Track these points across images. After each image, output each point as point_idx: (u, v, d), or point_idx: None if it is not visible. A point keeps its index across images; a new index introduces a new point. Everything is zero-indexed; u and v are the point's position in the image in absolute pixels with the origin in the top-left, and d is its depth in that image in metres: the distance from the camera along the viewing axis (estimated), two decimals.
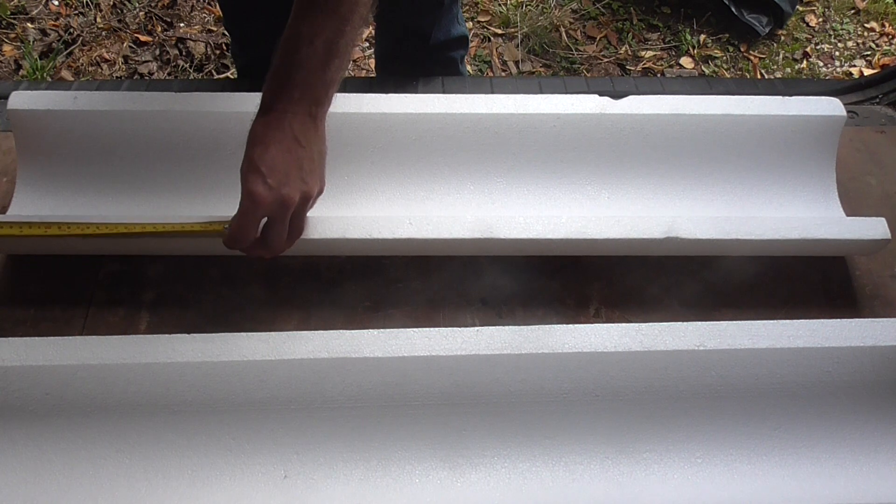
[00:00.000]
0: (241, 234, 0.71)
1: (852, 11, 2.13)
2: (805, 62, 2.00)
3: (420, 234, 0.83)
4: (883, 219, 0.87)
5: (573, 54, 1.94)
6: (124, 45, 1.88)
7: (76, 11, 1.94)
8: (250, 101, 0.88)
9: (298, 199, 0.71)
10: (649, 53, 1.97)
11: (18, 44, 1.86)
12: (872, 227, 0.86)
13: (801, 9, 2.09)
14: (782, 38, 2.05)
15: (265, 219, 0.72)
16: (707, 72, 1.94)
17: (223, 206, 0.88)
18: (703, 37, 2.01)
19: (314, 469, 0.72)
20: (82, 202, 0.87)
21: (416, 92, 1.06)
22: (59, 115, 0.87)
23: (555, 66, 1.92)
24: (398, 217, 0.84)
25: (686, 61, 1.96)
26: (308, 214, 0.79)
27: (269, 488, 0.71)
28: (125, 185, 0.88)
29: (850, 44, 2.05)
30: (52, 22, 1.92)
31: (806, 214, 0.92)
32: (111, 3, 1.96)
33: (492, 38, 1.97)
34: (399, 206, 0.89)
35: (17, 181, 0.88)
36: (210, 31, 1.93)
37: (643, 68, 1.94)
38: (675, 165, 0.92)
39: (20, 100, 0.87)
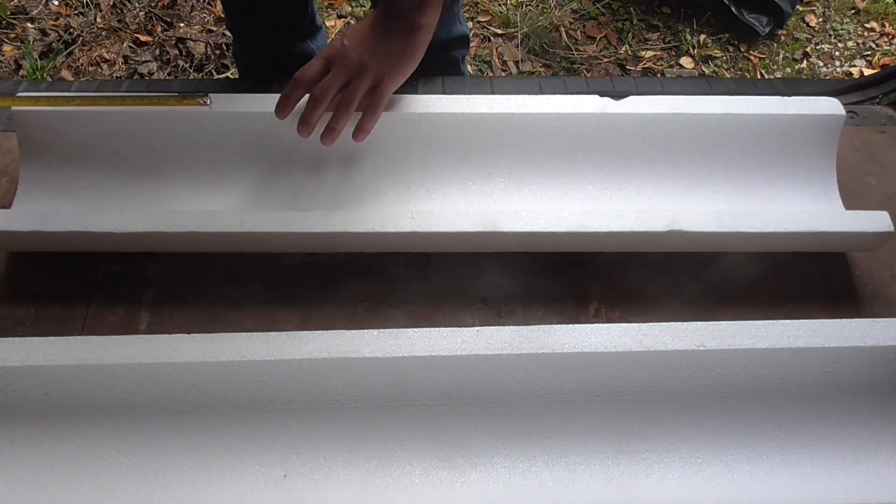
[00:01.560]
0: (305, 69, 0.83)
1: (852, 11, 2.13)
2: (805, 62, 2.00)
3: (422, 227, 0.83)
4: (885, 212, 0.87)
5: (573, 54, 1.94)
6: (124, 45, 1.88)
7: (76, 11, 1.94)
8: (251, 102, 0.89)
9: (357, 62, 0.81)
10: (649, 53, 1.97)
11: (18, 44, 1.86)
12: (875, 221, 0.86)
13: (801, 9, 2.09)
14: (782, 38, 2.04)
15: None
16: (707, 72, 1.94)
17: (225, 204, 0.89)
18: (703, 37, 2.01)
19: (314, 469, 0.72)
20: (84, 201, 0.87)
21: (417, 92, 1.06)
22: (62, 115, 0.87)
23: (555, 66, 1.92)
24: (400, 211, 0.84)
25: (686, 61, 1.96)
26: (309, 211, 0.82)
27: (269, 488, 0.71)
28: (127, 185, 0.88)
29: (850, 44, 2.05)
30: (52, 22, 1.92)
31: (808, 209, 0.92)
32: (111, 3, 1.96)
33: (492, 38, 1.97)
34: (401, 207, 0.89)
35: (20, 181, 0.88)
36: (210, 31, 1.93)
37: (643, 68, 1.94)
38: (676, 165, 0.92)
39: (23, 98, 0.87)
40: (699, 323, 0.76)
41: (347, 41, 0.82)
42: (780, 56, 2.00)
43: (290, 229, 0.83)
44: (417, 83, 1.10)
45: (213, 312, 0.84)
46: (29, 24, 1.90)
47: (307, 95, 0.84)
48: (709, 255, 0.90)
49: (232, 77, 1.81)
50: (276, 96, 0.88)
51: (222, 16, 1.91)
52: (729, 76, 1.94)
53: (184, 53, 1.87)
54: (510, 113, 0.90)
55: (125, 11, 1.95)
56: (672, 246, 0.88)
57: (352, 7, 2.01)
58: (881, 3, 2.13)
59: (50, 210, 0.85)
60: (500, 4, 2.04)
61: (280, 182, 0.90)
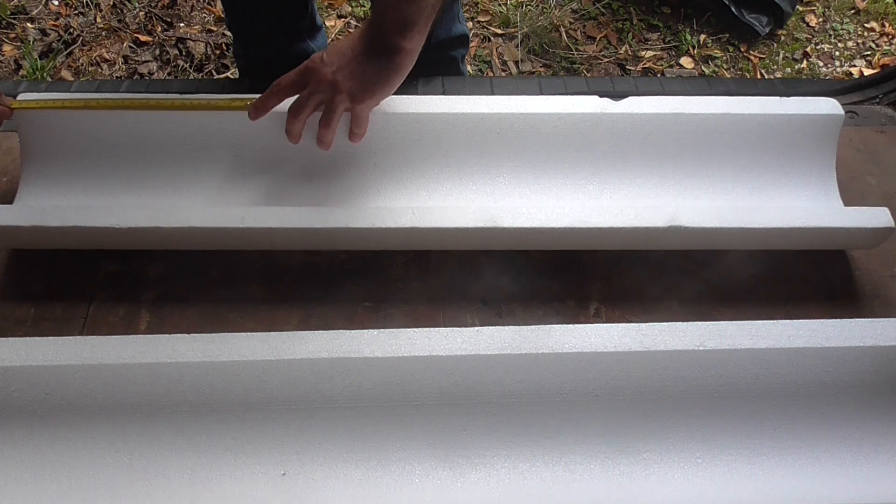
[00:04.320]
0: (283, 78, 0.84)
1: (852, 11, 2.12)
2: (805, 62, 2.00)
3: (422, 223, 0.83)
4: (886, 209, 0.87)
5: (573, 54, 1.94)
6: (124, 45, 1.88)
7: (76, 11, 1.94)
8: None
9: (329, 80, 0.82)
10: (649, 53, 1.97)
11: (18, 44, 1.86)
12: (875, 217, 0.86)
13: (801, 9, 2.09)
14: (782, 38, 2.04)
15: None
16: (707, 72, 1.94)
17: (226, 202, 0.89)
18: (703, 37, 2.01)
19: (314, 469, 0.72)
20: (85, 200, 0.87)
21: (417, 92, 1.06)
22: (64, 115, 0.87)
23: (555, 66, 1.92)
24: (400, 207, 0.84)
25: (686, 61, 1.96)
26: (310, 207, 0.83)
27: (269, 488, 0.71)
28: (128, 184, 0.89)
29: (850, 44, 2.05)
30: (52, 22, 1.92)
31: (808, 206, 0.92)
32: (111, 3, 1.96)
33: (492, 38, 1.97)
34: (401, 205, 0.89)
35: (22, 178, 0.88)
36: (210, 31, 1.93)
37: (643, 68, 1.94)
38: (676, 165, 0.92)
39: (27, 101, 0.87)
40: (699, 323, 0.76)
41: (327, 57, 0.82)
42: (780, 56, 2.00)
43: (291, 225, 0.83)
44: (417, 83, 1.10)
45: (213, 312, 0.84)
46: (29, 24, 1.90)
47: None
48: (709, 255, 0.90)
49: (232, 77, 1.81)
50: None
51: (222, 16, 1.91)
52: (729, 76, 1.94)
53: (184, 53, 1.87)
54: (510, 113, 0.90)
55: (125, 11, 1.95)
56: (672, 243, 0.88)
57: (352, 7, 2.01)
58: (881, 3, 2.12)
59: (51, 206, 0.85)
60: (500, 4, 2.04)
61: (280, 181, 0.90)
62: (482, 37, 1.97)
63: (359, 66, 0.82)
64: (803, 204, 0.92)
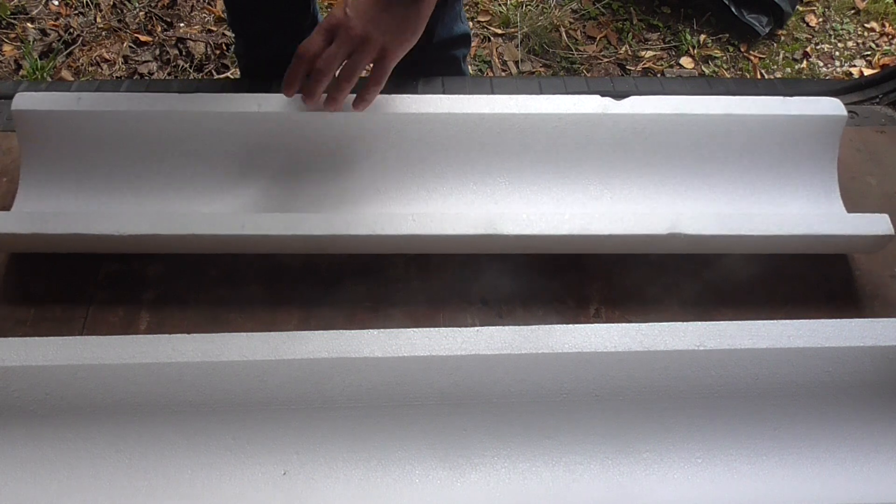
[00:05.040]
0: (307, 43, 0.81)
1: (852, 11, 2.12)
2: (805, 62, 2.00)
3: (422, 230, 0.83)
4: (886, 215, 0.87)
5: (573, 54, 1.94)
6: (124, 45, 1.88)
7: (76, 11, 1.94)
8: (251, 102, 0.89)
9: (360, 33, 0.80)
10: (649, 53, 1.97)
11: (18, 44, 1.86)
12: (875, 224, 0.86)
13: (801, 9, 2.09)
14: (782, 38, 2.04)
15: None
16: (707, 72, 1.94)
17: (225, 205, 0.89)
18: (703, 37, 2.01)
19: (314, 469, 0.72)
20: (85, 202, 0.87)
21: (417, 92, 1.06)
22: (63, 115, 0.87)
23: (555, 66, 1.92)
24: (401, 214, 0.84)
25: (686, 61, 1.96)
26: (310, 214, 0.81)
27: (269, 488, 0.71)
28: (128, 184, 0.88)
29: (850, 44, 2.05)
30: (52, 22, 1.92)
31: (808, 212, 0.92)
32: (111, 3, 1.96)
33: (492, 38, 1.97)
34: (401, 207, 0.89)
35: (20, 182, 0.88)
36: (210, 31, 1.93)
37: (643, 68, 1.94)
38: (677, 165, 0.92)
39: (24, 101, 0.87)
40: (699, 323, 0.76)
41: (350, 11, 0.80)
42: (780, 56, 2.00)
43: (291, 232, 0.82)
44: (417, 83, 1.10)
45: (213, 312, 0.84)
46: (29, 24, 1.90)
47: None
48: (709, 256, 0.90)
49: (232, 77, 1.81)
50: (278, 96, 0.88)
51: (222, 16, 1.91)
52: (729, 76, 1.94)
53: (184, 53, 1.87)
54: (510, 113, 0.90)
55: (125, 11, 1.95)
56: (672, 248, 0.88)
57: None
58: (881, 3, 2.13)
59: (50, 212, 0.85)
60: (500, 4, 2.04)
61: (280, 183, 0.90)
62: (482, 37, 1.97)
63: (387, 16, 0.80)
64: (804, 207, 0.92)
